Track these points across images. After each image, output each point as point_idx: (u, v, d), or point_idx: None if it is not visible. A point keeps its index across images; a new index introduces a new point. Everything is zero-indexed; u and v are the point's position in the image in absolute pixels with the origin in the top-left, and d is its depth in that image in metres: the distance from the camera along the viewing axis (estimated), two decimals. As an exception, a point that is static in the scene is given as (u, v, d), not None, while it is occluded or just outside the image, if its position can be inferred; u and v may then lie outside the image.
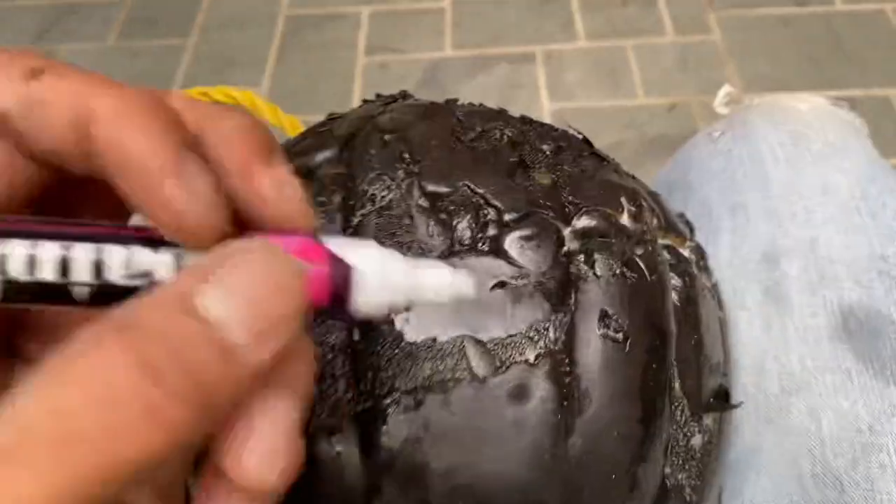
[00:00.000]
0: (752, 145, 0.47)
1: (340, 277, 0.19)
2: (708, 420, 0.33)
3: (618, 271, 0.31)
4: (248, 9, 1.61)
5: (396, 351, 0.29)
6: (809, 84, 1.38)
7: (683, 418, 0.32)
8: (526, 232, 0.31)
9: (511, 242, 0.31)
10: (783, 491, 0.37)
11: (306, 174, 0.34)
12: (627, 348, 0.30)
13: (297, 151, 0.35)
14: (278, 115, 0.54)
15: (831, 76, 1.40)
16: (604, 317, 0.30)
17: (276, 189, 0.19)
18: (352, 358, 0.29)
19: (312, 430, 0.29)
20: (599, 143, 0.39)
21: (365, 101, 0.42)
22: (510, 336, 0.29)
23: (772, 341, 0.40)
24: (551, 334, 0.30)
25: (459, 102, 0.40)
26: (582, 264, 0.31)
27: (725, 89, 0.51)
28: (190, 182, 0.18)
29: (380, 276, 0.19)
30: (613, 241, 0.32)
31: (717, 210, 0.46)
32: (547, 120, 1.35)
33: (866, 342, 0.39)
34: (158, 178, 0.17)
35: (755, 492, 0.38)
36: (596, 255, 0.32)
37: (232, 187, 0.19)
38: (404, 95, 0.41)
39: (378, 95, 0.42)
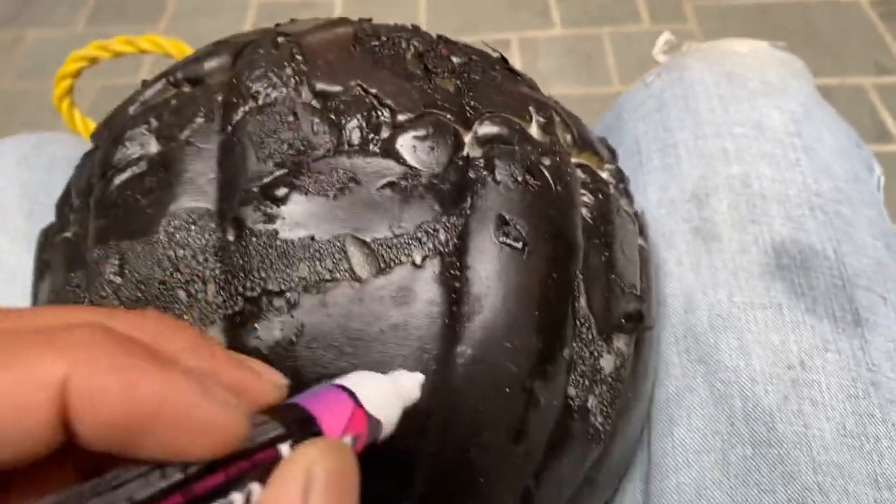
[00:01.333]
0: (686, 86, 0.45)
1: (375, 433, 0.20)
2: (619, 343, 0.31)
3: (519, 178, 0.29)
4: (219, -5, 1.59)
5: (270, 250, 0.27)
6: (785, 72, 1.37)
7: (590, 336, 0.30)
8: (420, 132, 0.29)
9: (404, 143, 0.29)
10: (713, 430, 0.35)
11: (195, 81, 0.32)
12: (526, 255, 0.28)
13: (188, 61, 0.33)
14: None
15: (806, 65, 1.38)
16: (502, 223, 0.28)
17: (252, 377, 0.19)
18: (222, 259, 0.27)
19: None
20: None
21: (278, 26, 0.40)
22: (396, 236, 0.27)
23: (700, 280, 0.38)
24: (441, 236, 0.27)
25: None
26: (481, 169, 0.29)
27: (665, 37, 0.49)
28: (217, 396, 0.16)
29: (395, 415, 0.21)
30: (517, 148, 0.30)
31: (647, 150, 0.44)
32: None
33: (799, 277, 0.37)
34: (193, 410, 0.16)
35: (685, 432, 0.36)
36: (497, 161, 0.29)
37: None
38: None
39: (293, 21, 0.40)
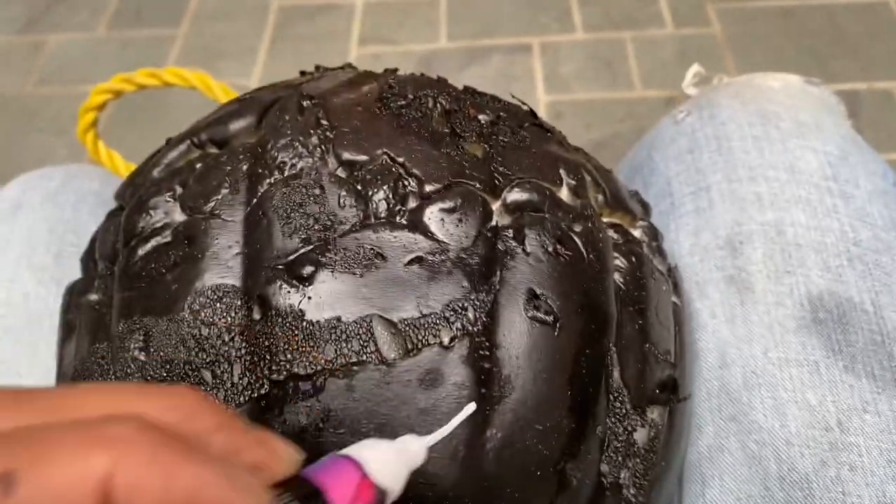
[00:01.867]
0: (717, 125, 0.44)
1: (381, 501, 0.21)
2: (653, 414, 0.30)
3: (550, 248, 0.29)
4: (239, -1, 1.59)
5: (296, 332, 0.26)
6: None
7: (623, 410, 0.29)
8: (448, 204, 0.28)
9: (431, 215, 0.28)
10: (747, 493, 0.34)
11: (221, 145, 0.32)
12: (557, 331, 0.27)
13: (212, 121, 0.32)
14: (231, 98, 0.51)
15: (833, 70, 1.36)
16: (532, 297, 0.28)
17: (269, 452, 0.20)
18: (248, 340, 0.27)
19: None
20: (595, 136, 0.37)
21: (302, 73, 0.39)
22: (423, 316, 0.27)
23: (734, 333, 0.37)
24: (470, 314, 0.27)
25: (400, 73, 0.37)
26: (510, 240, 0.29)
27: (694, 69, 0.48)
28: (242, 484, 0.17)
29: (401, 483, 0.22)
30: (547, 215, 0.30)
31: (679, 193, 0.43)
32: (542, 113, 1.32)
33: (836, 333, 0.36)
34: (223, 500, 0.17)
35: (717, 493, 0.35)
36: (527, 231, 0.29)
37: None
38: (347, 66, 0.39)
39: (317, 67, 0.39)
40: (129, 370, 0.28)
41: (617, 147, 1.25)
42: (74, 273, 0.43)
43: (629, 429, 0.29)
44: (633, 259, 0.32)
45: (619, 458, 0.29)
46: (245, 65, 1.45)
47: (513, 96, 0.35)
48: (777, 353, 0.36)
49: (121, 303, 0.29)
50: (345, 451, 0.21)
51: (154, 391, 0.19)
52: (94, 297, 0.31)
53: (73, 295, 0.33)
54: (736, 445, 0.35)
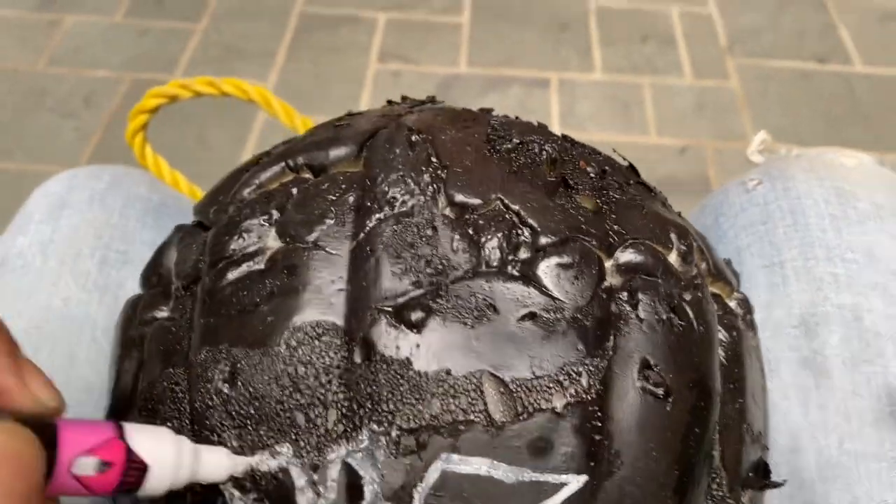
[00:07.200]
0: (793, 199, 0.43)
1: (134, 474, 0.21)
2: (745, 497, 0.29)
3: (664, 317, 0.27)
4: (261, 0, 1.57)
5: (401, 381, 0.25)
6: (824, 142, 1.36)
7: (721, 493, 0.28)
8: (565, 259, 0.27)
9: (546, 269, 0.27)
10: None
11: (318, 171, 0.30)
12: (669, 406, 0.26)
13: (309, 144, 0.31)
14: (292, 117, 0.49)
15: (847, 137, 1.37)
16: (645, 367, 0.26)
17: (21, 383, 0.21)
18: (347, 384, 0.25)
19: (295, 465, 0.24)
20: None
21: (389, 102, 0.38)
22: (537, 378, 0.25)
23: (808, 419, 0.36)
24: (584, 381, 0.25)
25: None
26: (624, 304, 0.27)
27: (761, 136, 0.47)
28: None
29: (170, 468, 0.22)
30: (660, 281, 0.28)
31: (750, 265, 0.42)
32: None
33: None
34: None
35: None
36: (640, 296, 0.27)
37: None
38: (433, 100, 0.37)
39: (404, 98, 0.38)
40: (209, 402, 0.26)
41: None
42: (117, 281, 0.41)
43: None
44: (734, 333, 0.30)
45: None
46: (262, 67, 1.43)
47: (615, 151, 0.34)
48: (853, 445, 0.35)
49: (204, 328, 0.27)
50: (124, 422, 0.22)
51: None
52: (164, 314, 0.30)
53: (138, 311, 0.31)
54: None
